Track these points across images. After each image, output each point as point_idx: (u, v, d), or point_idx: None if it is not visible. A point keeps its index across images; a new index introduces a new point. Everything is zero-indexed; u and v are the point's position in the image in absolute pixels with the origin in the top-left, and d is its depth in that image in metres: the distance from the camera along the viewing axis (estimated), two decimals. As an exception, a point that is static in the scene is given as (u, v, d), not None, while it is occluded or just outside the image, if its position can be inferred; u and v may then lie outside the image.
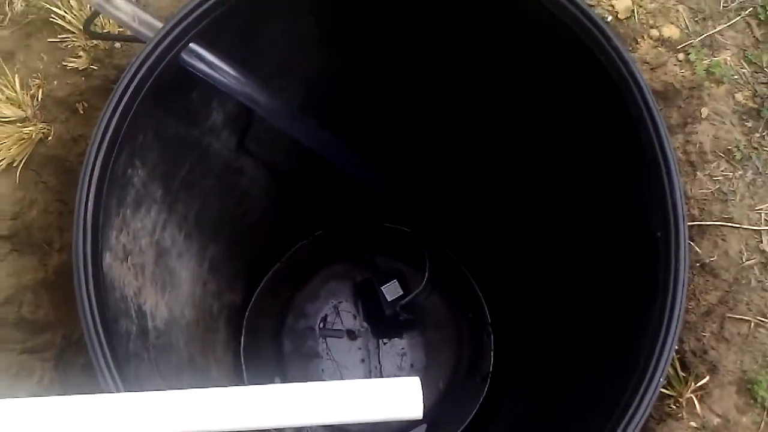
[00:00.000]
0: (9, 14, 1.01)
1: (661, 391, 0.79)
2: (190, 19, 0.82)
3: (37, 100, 0.97)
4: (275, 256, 1.46)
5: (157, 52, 0.82)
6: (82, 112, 0.99)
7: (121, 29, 0.94)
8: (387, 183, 1.03)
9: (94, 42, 0.97)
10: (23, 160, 0.95)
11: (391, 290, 1.35)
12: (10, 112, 0.94)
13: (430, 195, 1.14)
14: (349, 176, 1.02)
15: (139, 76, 0.81)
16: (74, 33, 0.97)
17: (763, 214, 0.83)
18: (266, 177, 1.27)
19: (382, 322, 1.36)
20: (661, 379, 0.68)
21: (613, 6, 0.92)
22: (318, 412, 0.62)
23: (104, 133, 0.79)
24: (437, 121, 1.06)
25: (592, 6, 0.91)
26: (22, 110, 0.95)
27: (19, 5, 1.01)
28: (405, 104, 1.05)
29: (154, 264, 1.00)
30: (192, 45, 0.83)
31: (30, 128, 0.95)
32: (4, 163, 0.94)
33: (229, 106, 1.04)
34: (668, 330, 0.70)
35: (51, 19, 0.98)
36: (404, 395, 0.65)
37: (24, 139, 0.95)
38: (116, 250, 0.85)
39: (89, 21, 0.91)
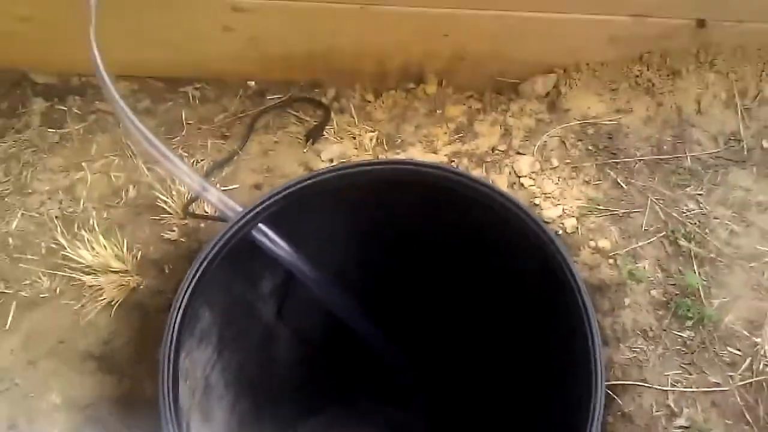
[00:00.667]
0: (124, 198, 1.39)
1: None
2: (261, 207, 1.17)
3: (137, 259, 1.31)
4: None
5: (235, 228, 1.16)
6: (167, 272, 1.32)
7: (207, 212, 1.31)
8: (385, 341, 1.33)
9: (186, 221, 1.33)
10: (119, 302, 1.27)
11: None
12: (117, 265, 1.28)
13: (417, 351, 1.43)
14: (362, 337, 1.32)
15: (219, 245, 1.15)
16: (171, 214, 1.34)
17: (669, 378, 1.10)
18: (296, 348, 1.56)
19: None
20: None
21: (563, 224, 1.27)
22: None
23: (191, 280, 1.11)
24: (427, 303, 1.38)
25: (549, 224, 1.26)
26: (125, 265, 1.29)
27: (132, 192, 1.40)
28: (402, 288, 1.38)
29: (201, 393, 1.27)
30: (260, 225, 1.18)
31: (128, 278, 1.28)
32: (105, 301, 1.26)
33: (277, 279, 1.37)
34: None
35: (156, 204, 1.35)
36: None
37: (123, 285, 1.27)
38: (182, 368, 1.13)
39: (188, 204, 1.28)
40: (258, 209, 1.16)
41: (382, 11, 1.39)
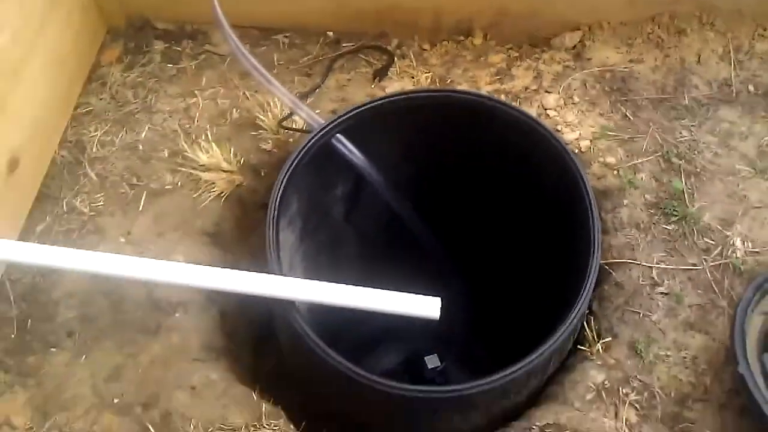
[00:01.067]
0: (229, 119, 1.75)
1: (582, 348, 1.35)
2: (338, 120, 1.50)
3: (240, 163, 1.66)
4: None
5: (318, 135, 1.50)
6: (263, 175, 1.67)
7: (296, 127, 1.66)
8: (433, 236, 1.66)
9: (278, 135, 1.68)
10: (227, 195, 1.63)
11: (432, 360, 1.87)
12: (225, 166, 1.63)
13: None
14: (414, 233, 1.66)
15: (306, 147, 1.49)
16: (267, 130, 1.69)
17: (654, 258, 1.41)
18: (359, 247, 1.89)
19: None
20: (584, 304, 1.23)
21: (579, 145, 1.58)
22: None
23: (287, 171, 1.45)
24: (469, 206, 1.71)
25: (568, 145, 1.57)
26: (231, 167, 1.64)
27: (235, 114, 1.75)
28: (449, 193, 1.71)
29: (288, 270, 1.62)
30: (338, 135, 1.52)
31: (234, 177, 1.63)
32: (216, 192, 1.62)
33: (347, 186, 1.71)
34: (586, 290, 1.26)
35: (255, 122, 1.70)
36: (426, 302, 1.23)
37: (230, 182, 1.63)
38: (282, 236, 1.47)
39: (282, 121, 1.63)
40: (336, 122, 1.49)
41: (439, -27, 1.72)
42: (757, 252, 1.40)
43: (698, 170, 1.51)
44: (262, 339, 1.65)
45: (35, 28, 1.58)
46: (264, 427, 1.32)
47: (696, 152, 1.54)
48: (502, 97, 1.69)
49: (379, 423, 1.37)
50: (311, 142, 1.47)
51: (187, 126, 1.73)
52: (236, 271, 1.27)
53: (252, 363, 1.57)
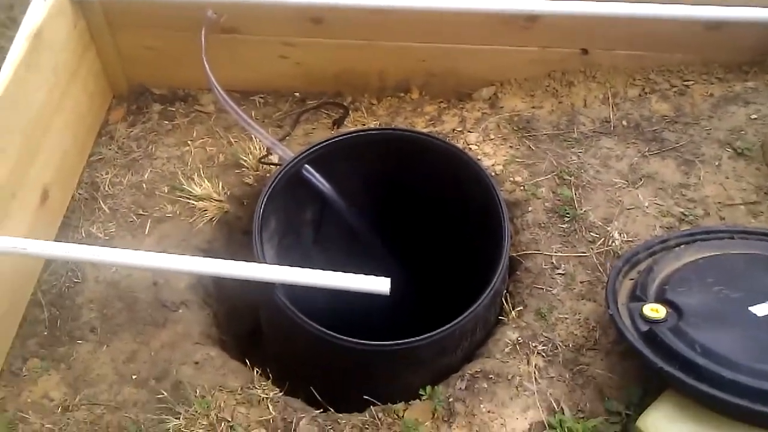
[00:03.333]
0: (216, 162, 2.16)
1: (499, 318, 1.75)
2: (307, 152, 1.91)
3: (227, 195, 2.07)
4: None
5: (288, 166, 1.91)
6: (245, 204, 2.08)
7: (272, 162, 2.08)
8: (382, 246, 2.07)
9: (258, 171, 2.09)
10: (217, 219, 2.02)
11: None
12: (215, 196, 2.04)
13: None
14: (366, 245, 2.07)
15: (281, 174, 1.90)
16: (248, 168, 2.10)
17: (553, 249, 1.84)
18: (326, 264, 2.27)
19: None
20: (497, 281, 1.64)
21: (494, 169, 2.03)
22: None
23: (265, 194, 1.85)
24: (409, 219, 2.13)
25: (486, 169, 2.01)
26: (220, 197, 2.05)
27: (221, 157, 2.17)
28: (394, 210, 2.13)
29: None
30: (306, 165, 1.93)
31: (223, 205, 2.03)
32: (208, 217, 2.01)
33: (315, 210, 2.11)
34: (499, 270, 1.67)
35: (239, 162, 2.12)
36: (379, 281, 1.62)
37: (219, 209, 2.03)
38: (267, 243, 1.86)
39: (262, 157, 2.05)
40: (305, 153, 1.89)
41: (381, 45, 2.19)
42: (631, 241, 1.83)
43: (584, 183, 1.96)
44: (248, 333, 2.02)
45: (62, 90, 1.99)
46: (255, 387, 1.67)
47: (583, 171, 1.99)
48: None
49: (344, 378, 1.73)
50: (285, 170, 1.88)
51: (182, 168, 2.13)
52: (231, 261, 1.65)
53: (242, 349, 1.93)
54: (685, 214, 1.85)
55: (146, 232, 2.00)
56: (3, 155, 1.69)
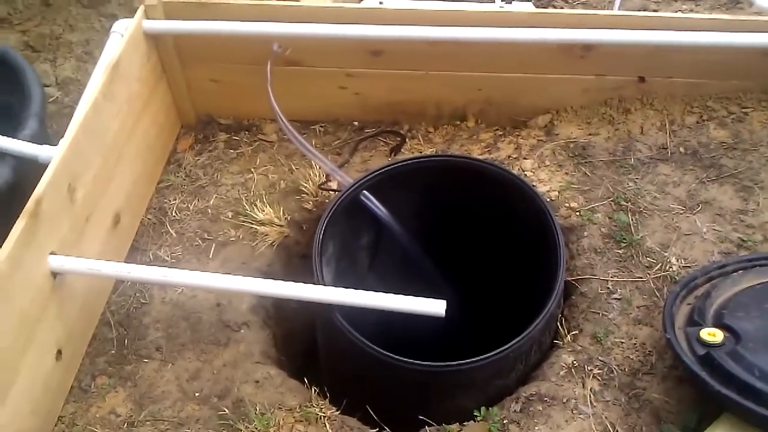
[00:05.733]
0: (278, 188, 2.24)
1: (557, 342, 1.76)
2: (365, 178, 1.97)
3: (287, 220, 2.14)
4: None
5: (347, 192, 1.97)
6: (304, 228, 2.14)
7: (332, 188, 2.14)
8: (441, 275, 2.10)
9: (317, 197, 2.16)
10: (277, 243, 2.09)
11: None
12: (276, 221, 2.11)
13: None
14: (424, 274, 2.10)
15: (338, 203, 1.96)
16: (308, 194, 2.17)
17: (609, 274, 1.84)
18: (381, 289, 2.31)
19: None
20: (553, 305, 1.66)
21: (550, 195, 2.05)
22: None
23: (323, 224, 1.91)
24: (466, 245, 2.15)
25: (542, 195, 2.03)
26: (281, 222, 2.12)
27: (282, 184, 2.24)
28: (451, 236, 2.16)
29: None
30: (364, 191, 1.99)
31: (283, 230, 2.10)
32: (269, 241, 2.08)
33: (372, 236, 2.17)
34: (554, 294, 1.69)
35: (299, 189, 2.19)
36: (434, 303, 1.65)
37: (279, 233, 2.10)
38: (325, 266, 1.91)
39: (321, 184, 2.12)
40: (363, 180, 1.95)
41: (439, 75, 2.25)
42: (688, 266, 1.83)
43: (641, 209, 1.96)
44: (304, 354, 2.07)
45: (134, 120, 2.10)
46: (313, 406, 1.72)
47: (639, 197, 1.99)
48: (491, 164, 2.17)
49: (399, 398, 1.76)
50: (344, 196, 1.94)
51: (246, 194, 2.22)
52: (294, 282, 1.71)
53: (298, 369, 1.97)
54: (743, 240, 1.84)
55: (210, 256, 2.07)
56: (81, 180, 1.79)
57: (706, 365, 1.44)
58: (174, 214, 2.19)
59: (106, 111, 1.91)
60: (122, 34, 2.08)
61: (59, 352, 1.74)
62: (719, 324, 1.51)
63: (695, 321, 1.55)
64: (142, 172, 2.17)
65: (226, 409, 1.73)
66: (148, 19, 2.12)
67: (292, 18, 2.10)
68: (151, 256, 2.09)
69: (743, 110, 2.16)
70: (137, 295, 1.99)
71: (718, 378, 1.39)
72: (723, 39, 1.98)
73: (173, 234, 2.14)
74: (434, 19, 2.05)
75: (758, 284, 1.61)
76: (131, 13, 2.14)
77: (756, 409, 1.31)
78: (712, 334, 1.48)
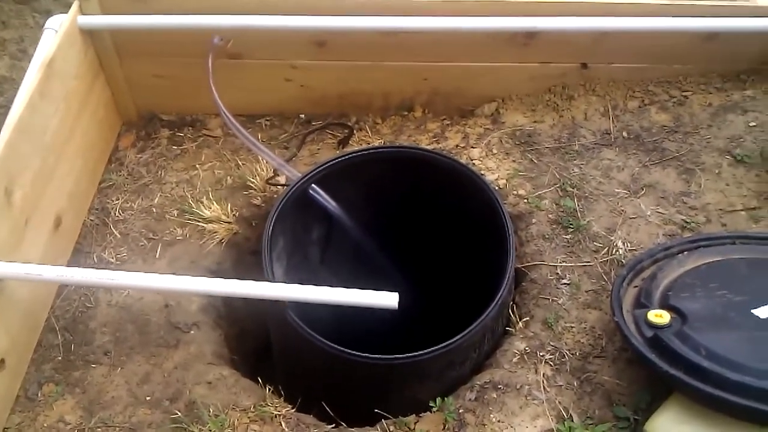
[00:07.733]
0: (225, 184, 2.20)
1: (507, 329, 1.77)
2: (313, 171, 1.95)
3: (235, 216, 2.10)
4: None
5: (296, 186, 1.95)
6: (253, 225, 2.11)
7: (280, 183, 2.12)
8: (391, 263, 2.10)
9: (265, 192, 2.13)
10: (226, 241, 2.06)
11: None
12: (224, 218, 2.07)
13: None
14: (375, 263, 2.09)
15: (286, 197, 1.94)
16: (256, 190, 2.14)
17: (558, 260, 1.86)
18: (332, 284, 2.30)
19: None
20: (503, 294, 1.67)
21: (498, 183, 2.06)
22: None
23: (272, 219, 1.89)
24: (415, 232, 2.16)
25: (490, 183, 2.04)
26: (229, 219, 2.08)
27: (229, 180, 2.21)
28: (400, 225, 2.16)
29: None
30: (313, 185, 1.97)
31: (231, 227, 2.07)
32: (218, 239, 2.05)
33: (322, 230, 2.15)
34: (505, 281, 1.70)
35: (246, 184, 2.16)
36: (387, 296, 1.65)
37: (228, 231, 2.06)
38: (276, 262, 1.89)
39: (269, 178, 2.09)
40: (311, 173, 1.94)
41: (384, 66, 2.23)
42: (634, 249, 1.86)
43: (587, 195, 1.99)
44: (257, 352, 2.04)
45: (73, 118, 2.03)
46: (268, 405, 1.70)
47: (585, 182, 2.02)
48: (439, 154, 2.17)
49: (354, 392, 1.76)
50: (292, 191, 1.91)
51: (192, 191, 2.17)
52: (243, 281, 1.68)
53: (251, 368, 1.95)
54: (687, 222, 1.87)
55: (157, 256, 2.03)
56: (18, 182, 1.73)
57: (654, 347, 1.46)
58: (117, 214, 2.14)
59: (42, 110, 1.85)
60: (56, 30, 2.01)
61: (2, 361, 1.69)
62: (666, 305, 1.54)
63: (642, 303, 1.58)
64: (82, 171, 2.11)
65: (178, 412, 1.70)
66: (83, 14, 2.06)
67: (233, 9, 2.05)
68: (95, 259, 2.04)
69: (683, 94, 2.20)
70: (82, 299, 1.93)
71: (666, 359, 1.42)
72: (663, 24, 2.01)
73: (117, 235, 2.08)
74: (379, 8, 2.03)
75: (702, 264, 1.64)
76: (66, 8, 2.07)
77: (704, 388, 1.34)
78: (659, 316, 1.51)
